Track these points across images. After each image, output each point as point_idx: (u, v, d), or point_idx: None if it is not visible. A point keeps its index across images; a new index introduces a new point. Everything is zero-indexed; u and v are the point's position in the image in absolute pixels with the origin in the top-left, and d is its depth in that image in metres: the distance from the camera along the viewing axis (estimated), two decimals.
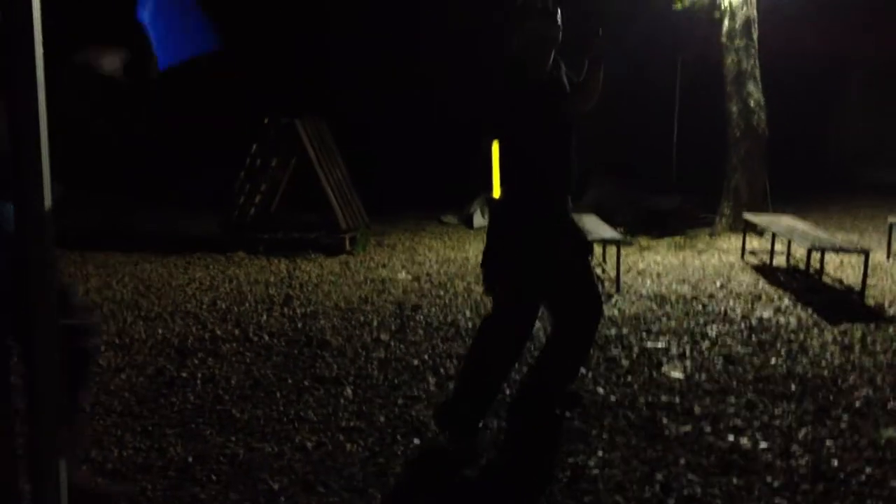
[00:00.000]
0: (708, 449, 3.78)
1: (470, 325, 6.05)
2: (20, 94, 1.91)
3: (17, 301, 2.74)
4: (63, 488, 2.11)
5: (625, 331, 5.91)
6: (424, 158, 14.55)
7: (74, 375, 3.01)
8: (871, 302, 6.82)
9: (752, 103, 10.80)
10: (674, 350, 5.41)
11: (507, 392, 4.50)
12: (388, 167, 14.58)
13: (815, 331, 5.86)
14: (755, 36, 10.82)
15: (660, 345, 5.54)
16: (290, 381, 4.80)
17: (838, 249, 6.98)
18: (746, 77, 10.81)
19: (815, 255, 7.51)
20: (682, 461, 3.64)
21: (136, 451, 3.75)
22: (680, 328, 5.98)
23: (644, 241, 10.46)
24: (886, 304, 6.72)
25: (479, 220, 12.05)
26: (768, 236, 9.22)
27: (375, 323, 6.22)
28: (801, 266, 8.22)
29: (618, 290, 7.30)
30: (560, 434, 3.98)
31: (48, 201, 2.01)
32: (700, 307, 6.64)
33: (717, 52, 11.21)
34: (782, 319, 6.19)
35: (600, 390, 4.59)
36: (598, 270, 8.09)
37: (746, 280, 7.78)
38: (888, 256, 8.83)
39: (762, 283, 7.60)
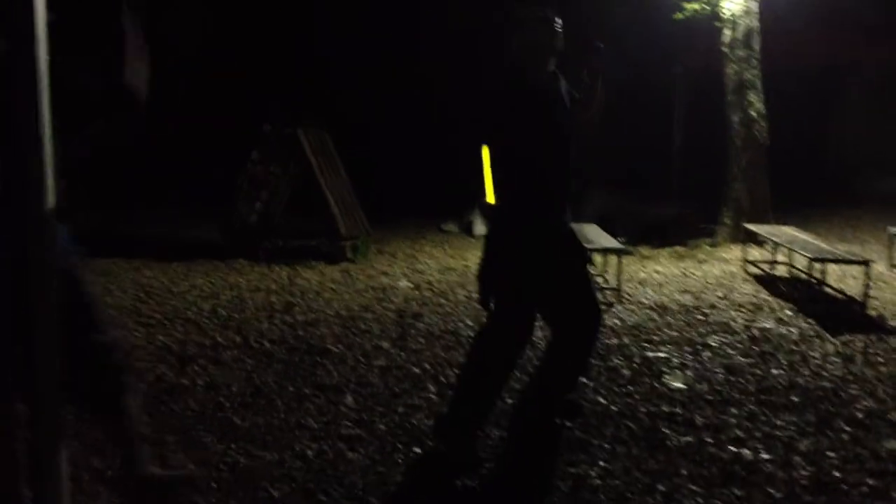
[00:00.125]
0: (709, 460, 3.77)
1: (471, 333, 6.04)
2: (21, 96, 1.91)
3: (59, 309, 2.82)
4: (65, 491, 2.10)
5: (626, 340, 5.90)
6: (424, 167, 14.55)
7: (110, 386, 3.01)
8: (872, 313, 6.81)
9: (753, 113, 10.81)
10: (675, 360, 5.41)
11: (508, 401, 4.49)
12: (389, 175, 14.58)
13: (817, 341, 5.85)
14: (757, 46, 10.83)
15: (661, 355, 5.53)
16: (290, 388, 4.79)
17: (840, 260, 6.98)
18: (748, 87, 10.83)
19: (817, 266, 7.50)
20: (684, 472, 3.63)
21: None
22: (681, 338, 5.97)
23: (645, 251, 10.46)
24: (888, 315, 6.71)
25: (480, 228, 12.05)
26: (769, 246, 9.22)
27: (376, 331, 6.21)
28: (803, 276, 8.21)
29: (619, 299, 7.30)
30: (561, 443, 3.97)
31: (49, 203, 2.01)
32: (701, 317, 6.64)
33: (718, 61, 11.22)
34: (783, 330, 6.19)
35: (601, 400, 4.58)
36: (599, 280, 8.08)
37: (747, 290, 7.77)
38: (890, 267, 8.82)
39: (763, 294, 7.59)
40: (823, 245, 7.56)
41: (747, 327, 6.28)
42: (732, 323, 6.43)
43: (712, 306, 7.04)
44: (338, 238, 9.79)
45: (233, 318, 6.60)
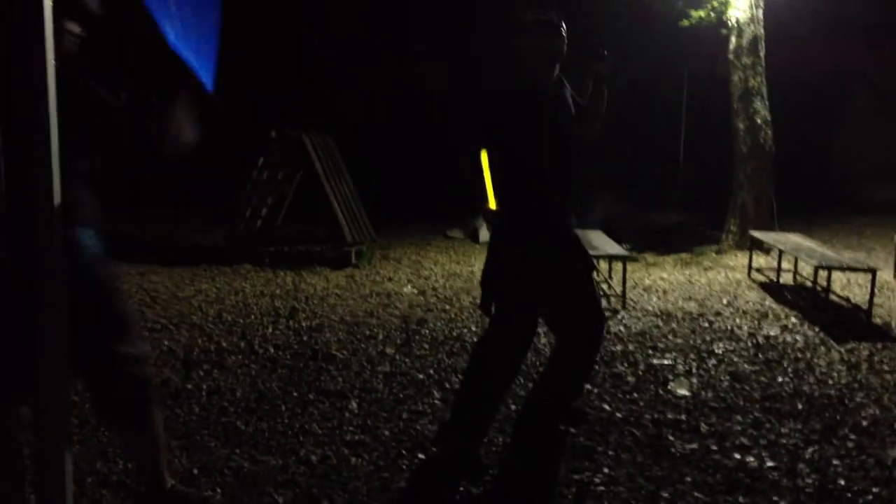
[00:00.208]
0: (714, 467, 3.76)
1: (475, 339, 6.04)
2: (31, 98, 1.93)
3: (92, 320, 2.82)
4: (69, 495, 2.10)
5: (631, 347, 5.90)
6: (429, 172, 14.56)
7: (134, 397, 3.02)
8: (877, 320, 6.80)
9: (758, 120, 10.81)
10: (680, 367, 5.40)
11: (513, 407, 4.49)
12: (394, 181, 14.60)
13: (822, 349, 5.84)
14: (762, 53, 10.84)
15: (666, 362, 5.52)
16: (295, 394, 4.79)
17: (845, 268, 6.97)
18: (753, 94, 10.83)
19: (822, 274, 7.49)
20: (689, 479, 3.62)
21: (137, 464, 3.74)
22: (686, 345, 5.97)
23: (650, 258, 10.47)
24: (893, 323, 6.70)
25: (485, 234, 12.05)
26: (775, 254, 9.21)
27: (381, 336, 6.21)
28: (808, 284, 8.20)
29: (624, 306, 7.29)
30: (565, 450, 3.96)
31: (57, 204, 2.03)
32: (706, 324, 6.63)
33: (724, 68, 11.22)
34: (789, 337, 6.17)
35: (606, 407, 4.58)
36: (604, 286, 8.08)
37: (753, 297, 7.76)
38: (895, 275, 8.80)
39: (769, 301, 7.58)
40: (829, 252, 7.55)
41: (752, 335, 6.27)
42: (737, 330, 6.42)
43: (717, 313, 7.03)
44: (343, 244, 9.81)
45: (238, 323, 6.61)
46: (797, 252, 7.48)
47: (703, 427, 4.26)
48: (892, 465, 3.79)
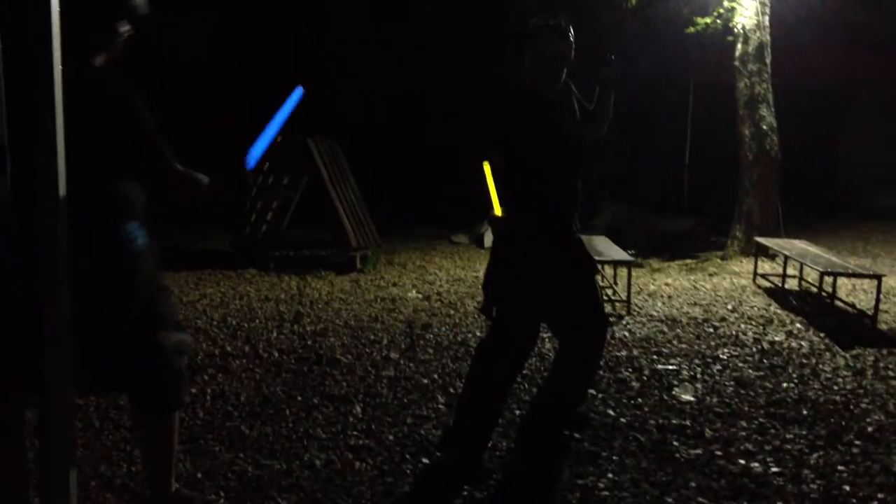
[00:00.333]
0: (719, 473, 3.75)
1: None
2: (40, 99, 1.94)
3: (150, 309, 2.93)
4: (73, 499, 2.11)
5: (635, 352, 5.89)
6: (435, 178, 14.57)
7: (163, 390, 3.05)
8: (883, 326, 6.79)
9: (764, 127, 10.79)
10: (685, 373, 5.39)
11: (517, 412, 4.49)
12: (399, 186, 14.61)
13: (827, 355, 5.83)
14: (768, 60, 10.83)
15: (670, 367, 5.51)
16: (299, 398, 4.80)
17: (851, 274, 6.95)
18: (759, 101, 10.81)
19: (828, 280, 7.48)
20: (693, 485, 3.62)
21: (144, 466, 3.74)
22: (691, 351, 5.96)
23: (655, 264, 10.45)
24: None
25: (490, 239, 12.04)
26: (780, 260, 9.20)
27: (385, 341, 6.21)
28: (814, 290, 8.19)
29: (628, 311, 7.28)
30: (569, 455, 3.96)
31: (62, 199, 2.04)
32: (711, 330, 6.62)
33: (730, 75, 11.22)
34: (794, 343, 6.16)
35: (610, 412, 4.57)
36: (609, 292, 8.07)
37: (758, 303, 7.75)
38: None
39: (774, 307, 7.57)
40: (834, 259, 7.54)
41: (757, 340, 6.26)
42: (742, 336, 6.41)
43: (722, 319, 7.02)
44: (348, 248, 9.82)
45: (242, 328, 6.61)
46: (802, 258, 7.47)
47: (708, 432, 4.26)
48: None
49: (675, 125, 15.41)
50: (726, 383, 5.15)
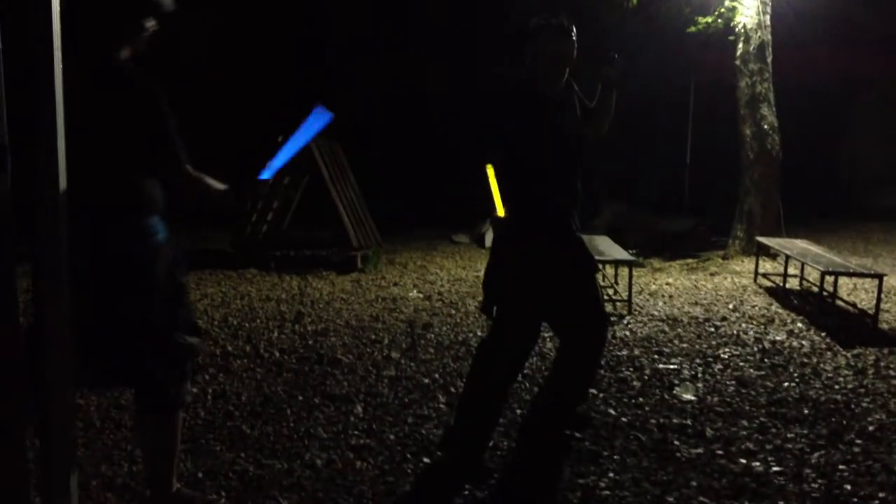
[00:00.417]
0: (720, 472, 3.75)
1: None
2: (40, 98, 1.94)
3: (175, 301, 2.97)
4: (73, 498, 2.11)
5: (636, 352, 5.89)
6: (436, 178, 14.58)
7: (169, 389, 3.06)
8: (884, 326, 6.78)
9: (765, 126, 10.79)
10: (686, 372, 5.39)
11: (518, 412, 4.49)
12: (400, 186, 14.62)
13: (829, 354, 5.82)
14: (769, 59, 10.83)
15: (671, 366, 5.51)
16: (300, 398, 4.80)
17: (852, 273, 6.95)
18: (760, 100, 10.81)
19: (829, 279, 7.47)
20: (694, 484, 3.62)
21: (145, 466, 3.74)
22: (692, 350, 5.96)
23: (656, 263, 10.45)
24: None
25: (491, 239, 12.05)
26: (781, 259, 9.20)
27: (386, 341, 6.21)
28: (815, 289, 8.18)
29: (629, 311, 7.28)
30: (570, 455, 3.96)
31: (62, 196, 2.04)
32: (712, 329, 6.61)
33: (731, 74, 11.22)
34: (795, 343, 6.16)
35: (611, 411, 4.57)
36: (610, 291, 8.07)
37: (759, 303, 7.75)
38: None
39: (775, 307, 7.56)
40: (835, 258, 7.53)
41: (759, 340, 6.25)
42: (744, 335, 6.40)
43: (724, 319, 7.02)
44: (349, 248, 9.82)
45: (243, 328, 6.61)
46: (804, 257, 7.47)
47: (709, 432, 4.25)
48: None
49: (676, 125, 15.40)
50: (727, 382, 5.15)
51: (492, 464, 3.84)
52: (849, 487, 3.58)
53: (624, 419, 4.45)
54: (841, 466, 3.81)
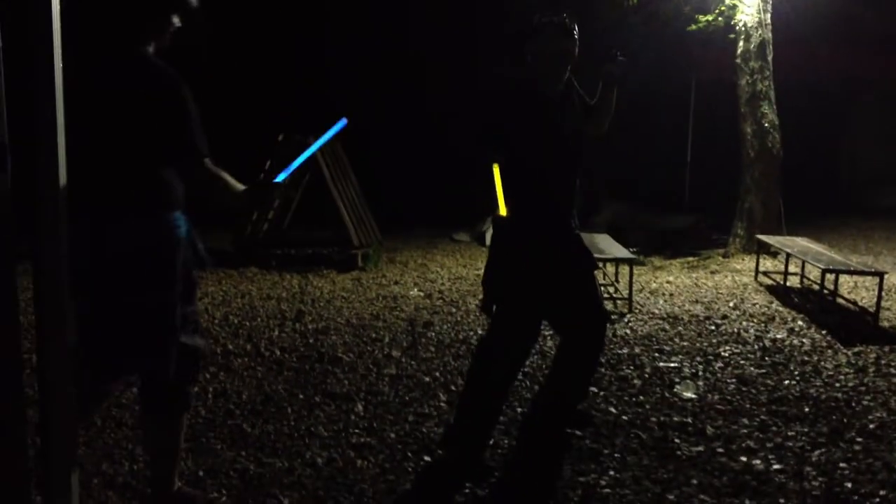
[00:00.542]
0: (720, 470, 3.75)
1: None
2: (40, 97, 1.94)
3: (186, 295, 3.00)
4: (75, 497, 2.11)
5: (637, 350, 5.89)
6: (436, 176, 14.57)
7: (175, 390, 3.07)
8: (885, 324, 6.78)
9: (766, 124, 10.79)
10: (686, 370, 5.39)
11: (518, 410, 4.49)
12: (400, 184, 14.61)
13: (829, 352, 5.82)
14: (770, 57, 10.82)
15: (672, 365, 5.51)
16: (301, 396, 4.80)
17: (853, 271, 6.94)
18: (761, 98, 10.80)
19: (829, 277, 7.47)
20: (695, 482, 3.62)
21: (147, 465, 3.75)
22: (692, 348, 5.96)
23: (657, 261, 10.45)
24: None
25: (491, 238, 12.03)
26: (782, 258, 9.19)
27: (387, 339, 6.21)
28: (815, 287, 8.17)
29: (630, 309, 7.28)
30: (571, 453, 3.96)
31: (62, 197, 2.04)
32: (713, 327, 6.61)
33: (732, 72, 11.21)
34: (796, 341, 6.16)
35: (612, 410, 4.57)
36: (611, 290, 8.07)
37: (760, 301, 7.74)
38: None
39: (775, 305, 7.56)
40: (836, 256, 7.53)
41: (759, 338, 6.25)
42: (744, 333, 6.40)
43: (724, 317, 7.02)
44: (349, 247, 9.82)
45: (244, 326, 6.61)
46: (804, 256, 7.47)
47: (710, 430, 4.25)
48: None
49: (677, 123, 15.38)
50: (728, 381, 5.15)
51: (492, 462, 3.84)
52: (849, 485, 3.59)
53: (624, 417, 4.45)
54: (841, 464, 3.82)
